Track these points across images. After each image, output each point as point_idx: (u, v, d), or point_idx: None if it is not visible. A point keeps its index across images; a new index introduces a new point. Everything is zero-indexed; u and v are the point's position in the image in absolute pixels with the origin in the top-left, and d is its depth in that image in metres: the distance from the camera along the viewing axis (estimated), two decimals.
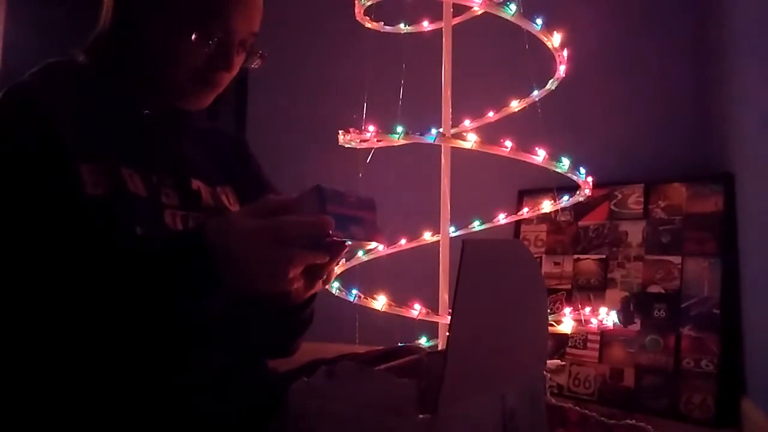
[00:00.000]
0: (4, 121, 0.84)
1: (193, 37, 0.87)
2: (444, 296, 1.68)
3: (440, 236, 1.72)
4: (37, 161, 0.81)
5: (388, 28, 1.94)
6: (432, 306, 1.68)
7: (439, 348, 1.71)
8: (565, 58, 1.76)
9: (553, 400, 1.59)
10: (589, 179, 1.74)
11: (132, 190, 0.85)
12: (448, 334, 0.63)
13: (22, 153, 0.81)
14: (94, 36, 0.93)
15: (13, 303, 0.77)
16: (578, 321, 1.74)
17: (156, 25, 0.89)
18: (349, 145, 1.71)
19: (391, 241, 1.86)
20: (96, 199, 0.81)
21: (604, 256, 2.04)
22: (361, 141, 1.68)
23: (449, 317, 0.75)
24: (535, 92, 1.84)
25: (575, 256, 2.10)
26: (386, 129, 1.65)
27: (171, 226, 0.87)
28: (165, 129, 0.94)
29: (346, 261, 1.78)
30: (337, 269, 1.75)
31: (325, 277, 0.82)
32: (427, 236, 1.85)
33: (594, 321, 1.76)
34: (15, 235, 0.79)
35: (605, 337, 1.94)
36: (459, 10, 1.81)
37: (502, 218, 1.90)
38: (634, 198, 2.03)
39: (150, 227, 0.84)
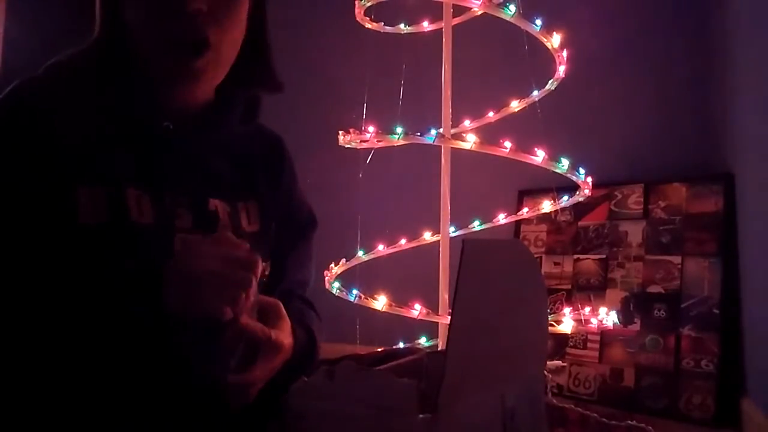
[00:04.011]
0: None
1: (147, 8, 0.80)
2: (444, 296, 1.68)
3: (440, 236, 1.72)
4: (27, 183, 0.74)
5: (388, 29, 1.94)
6: (432, 306, 1.68)
7: (439, 348, 1.71)
8: (565, 59, 1.77)
9: (554, 400, 1.60)
10: (589, 179, 1.74)
11: (134, 217, 0.78)
12: (448, 334, 0.63)
13: (11, 172, 0.75)
14: (94, 39, 0.87)
15: None
16: (578, 321, 1.74)
17: (130, 13, 0.83)
18: (349, 146, 1.71)
19: (391, 241, 1.86)
20: (89, 229, 0.75)
21: (604, 256, 2.04)
22: (361, 141, 1.68)
23: (449, 317, 0.75)
24: (535, 92, 1.84)
25: (575, 256, 2.10)
26: (386, 129, 1.65)
27: None
28: (184, 142, 0.86)
29: (346, 261, 1.79)
30: (338, 269, 1.76)
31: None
32: (427, 236, 1.85)
33: (594, 321, 1.77)
34: None
35: (605, 337, 1.94)
36: (459, 10, 1.82)
37: (502, 218, 1.90)
38: (634, 198, 2.03)
39: (151, 256, 0.76)
